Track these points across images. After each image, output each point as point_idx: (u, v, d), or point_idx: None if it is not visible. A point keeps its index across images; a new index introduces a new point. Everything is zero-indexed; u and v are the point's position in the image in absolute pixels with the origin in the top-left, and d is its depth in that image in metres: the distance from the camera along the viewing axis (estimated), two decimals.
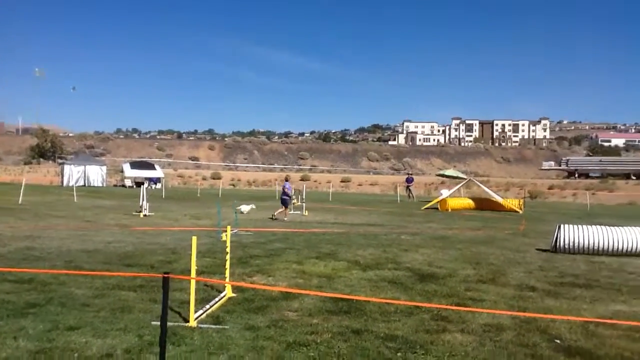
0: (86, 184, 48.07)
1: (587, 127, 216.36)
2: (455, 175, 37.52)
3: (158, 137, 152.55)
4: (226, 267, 7.66)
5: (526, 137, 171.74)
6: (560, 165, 74.32)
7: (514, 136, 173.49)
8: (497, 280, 9.61)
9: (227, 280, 7.68)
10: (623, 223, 19.28)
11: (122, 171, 53.44)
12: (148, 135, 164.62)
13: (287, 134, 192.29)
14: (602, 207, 38.62)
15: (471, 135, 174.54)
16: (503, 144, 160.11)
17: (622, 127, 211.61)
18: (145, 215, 20.17)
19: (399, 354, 5.46)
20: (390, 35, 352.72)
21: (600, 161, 72.07)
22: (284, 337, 5.89)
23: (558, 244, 13.20)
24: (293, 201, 24.74)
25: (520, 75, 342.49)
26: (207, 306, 6.84)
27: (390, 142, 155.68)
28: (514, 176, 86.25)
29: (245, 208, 22.78)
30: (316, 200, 34.40)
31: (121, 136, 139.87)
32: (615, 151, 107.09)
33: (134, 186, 46.76)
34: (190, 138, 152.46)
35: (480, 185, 34.46)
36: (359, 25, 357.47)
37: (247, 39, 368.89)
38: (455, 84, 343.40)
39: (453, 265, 11.05)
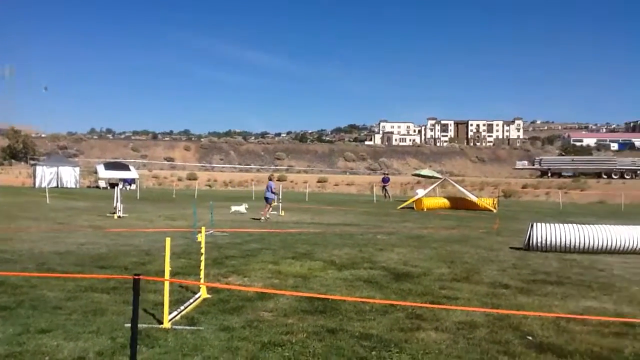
0: (59, 186, 47.34)
1: (559, 127, 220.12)
2: (430, 175, 37.83)
3: (133, 137, 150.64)
4: (201, 268, 7.62)
5: (500, 137, 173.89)
6: (533, 165, 75.16)
7: (489, 136, 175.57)
8: (471, 278, 9.72)
9: (202, 281, 7.64)
10: (594, 221, 19.63)
11: (95, 172, 52.70)
12: (122, 136, 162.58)
13: (263, 135, 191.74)
14: (574, 206, 39.28)
15: (446, 136, 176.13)
16: (478, 144, 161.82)
17: (594, 127, 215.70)
18: (119, 217, 19.94)
19: (373, 353, 5.49)
20: (366, 36, 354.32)
21: (573, 160, 73.12)
22: (259, 337, 5.88)
23: (531, 242, 13.40)
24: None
25: (494, 75, 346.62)
26: (182, 307, 6.80)
27: (367, 142, 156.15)
28: (488, 175, 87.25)
29: (238, 208, 22.88)
30: (293, 200, 34.38)
31: (95, 137, 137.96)
32: (586, 150, 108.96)
33: (108, 187, 46.16)
34: (166, 139, 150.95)
35: (455, 184, 34.80)
36: (335, 25, 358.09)
37: (223, 39, 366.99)
38: (430, 85, 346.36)
39: (428, 264, 11.15)
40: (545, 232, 13.35)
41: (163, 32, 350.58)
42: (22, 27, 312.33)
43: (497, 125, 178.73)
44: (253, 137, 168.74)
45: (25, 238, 13.57)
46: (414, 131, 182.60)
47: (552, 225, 13.67)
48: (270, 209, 21.34)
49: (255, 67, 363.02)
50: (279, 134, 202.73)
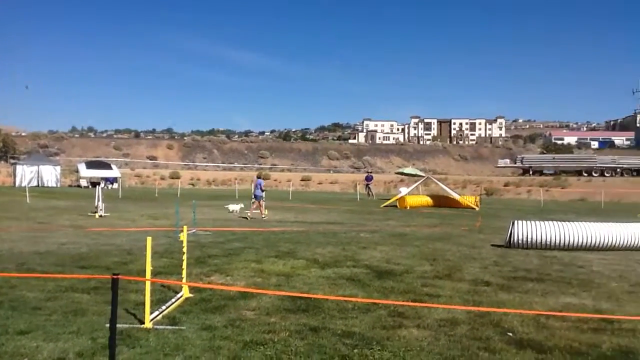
0: (40, 185, 46.81)
1: (541, 126, 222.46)
2: (413, 173, 38.04)
3: (115, 136, 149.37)
4: (183, 267, 7.58)
5: (483, 135, 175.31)
6: (515, 163, 75.70)
7: (471, 134, 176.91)
8: (453, 275, 9.79)
9: (184, 280, 7.61)
10: (575, 218, 19.90)
11: (77, 171, 52.20)
12: (104, 135, 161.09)
13: (247, 133, 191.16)
14: (555, 203, 39.71)
15: (430, 134, 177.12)
16: (461, 142, 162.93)
17: (575, 126, 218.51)
18: (100, 216, 19.77)
19: (355, 351, 5.51)
20: (350, 35, 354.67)
21: (554, 159, 73.79)
22: (241, 336, 5.87)
23: (512, 239, 13.53)
24: (253, 200, 24.67)
25: (477, 74, 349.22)
26: (163, 307, 6.76)
27: (350, 141, 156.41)
28: (471, 174, 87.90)
29: (235, 207, 22.82)
30: (276, 199, 34.34)
31: (76, 135, 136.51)
32: (568, 149, 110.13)
33: (90, 186, 45.72)
34: (148, 137, 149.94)
35: (438, 182, 35.02)
36: (319, 24, 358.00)
37: (207, 38, 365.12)
38: (414, 84, 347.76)
39: (410, 261, 11.20)
40: (526, 230, 13.49)
41: (147, 30, 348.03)
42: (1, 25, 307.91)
43: (480, 123, 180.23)
44: (237, 136, 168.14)
45: (5, 238, 13.40)
46: (398, 130, 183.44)
47: (533, 222, 13.82)
48: (263, 206, 21.51)
49: (239, 65, 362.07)
50: (262, 133, 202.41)
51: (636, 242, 13.44)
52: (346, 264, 10.73)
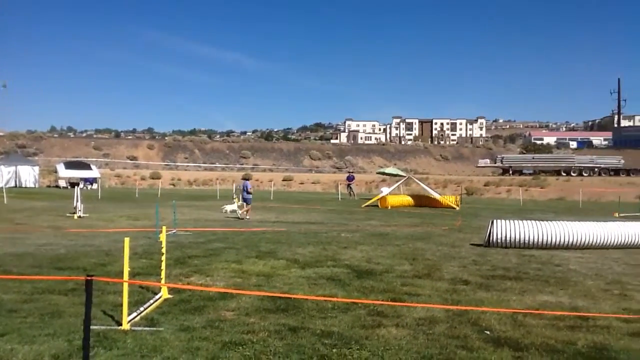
0: (17, 185, 46.14)
1: (521, 126, 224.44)
2: (395, 173, 38.16)
3: (95, 136, 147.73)
4: (162, 268, 7.53)
5: (464, 135, 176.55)
6: (495, 163, 76.32)
7: (452, 135, 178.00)
8: (433, 274, 9.86)
9: (163, 281, 7.56)
10: (553, 218, 20.13)
11: (56, 171, 51.53)
12: (84, 134, 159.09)
13: (229, 133, 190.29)
14: (534, 203, 40.16)
15: (411, 134, 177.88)
16: (442, 142, 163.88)
17: (554, 126, 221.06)
18: (79, 217, 19.56)
19: (334, 350, 5.52)
20: (331, 35, 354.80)
21: (533, 158, 74.55)
22: (219, 337, 5.85)
23: (491, 238, 13.66)
24: (234, 200, 24.61)
25: (458, 75, 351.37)
26: (142, 308, 6.71)
27: (333, 141, 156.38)
28: (452, 173, 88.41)
29: (232, 207, 22.71)
30: (258, 199, 34.16)
31: (55, 135, 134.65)
32: (547, 149, 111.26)
33: (68, 187, 45.18)
34: (129, 137, 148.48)
35: (419, 182, 35.22)
36: (301, 25, 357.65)
37: (189, 36, 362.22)
38: (396, 84, 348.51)
39: (391, 261, 11.26)
40: (505, 229, 13.63)
41: (126, 28, 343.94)
42: None
43: (461, 124, 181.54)
44: (218, 136, 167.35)
45: None
46: (380, 130, 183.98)
47: (511, 222, 13.97)
48: (248, 209, 21.61)
49: (221, 65, 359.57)
50: (244, 133, 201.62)
51: (612, 241, 13.66)
52: (327, 263, 10.75)
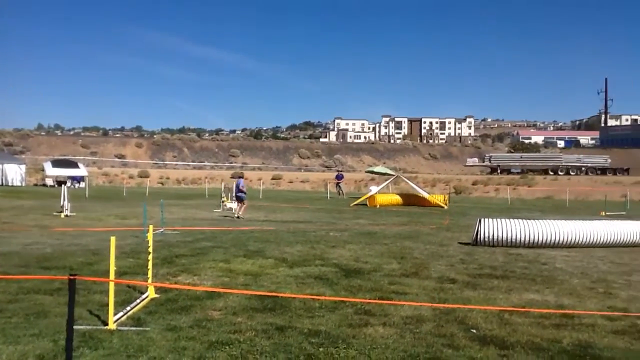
0: (4, 184, 45.74)
1: (509, 125, 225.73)
2: (384, 171, 38.21)
3: (82, 134, 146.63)
4: (148, 267, 7.50)
5: (452, 134, 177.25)
6: (483, 162, 76.66)
7: (441, 133, 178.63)
8: (420, 273, 9.89)
9: (150, 280, 7.52)
10: (540, 216, 20.25)
11: (43, 170, 51.11)
12: (72, 132, 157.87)
13: (218, 131, 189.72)
14: (521, 202, 40.39)
15: (400, 133, 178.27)
16: (430, 141, 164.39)
17: (542, 125, 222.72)
18: (66, 216, 19.42)
19: (321, 349, 5.52)
20: (321, 34, 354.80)
21: (521, 157, 74.96)
22: (206, 336, 5.83)
23: (479, 237, 13.72)
24: (223, 199, 24.57)
25: (447, 74, 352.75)
26: (128, 308, 6.68)
27: (322, 140, 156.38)
28: (440, 172, 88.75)
29: (231, 205, 22.68)
30: (246, 198, 34.10)
31: (42, 133, 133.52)
32: (535, 148, 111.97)
33: (56, 185, 44.83)
34: (117, 135, 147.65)
35: (408, 181, 35.31)
36: (290, 24, 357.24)
37: (178, 35, 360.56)
38: (385, 83, 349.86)
39: (379, 260, 11.29)
40: (492, 228, 13.71)
41: (116, 27, 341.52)
42: None
43: (450, 122, 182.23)
44: (207, 134, 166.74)
45: None
46: (369, 128, 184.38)
47: (499, 220, 14.05)
48: (235, 206, 21.58)
49: (211, 63, 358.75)
50: (233, 131, 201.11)
51: (598, 239, 13.78)
52: (315, 262, 10.75)
